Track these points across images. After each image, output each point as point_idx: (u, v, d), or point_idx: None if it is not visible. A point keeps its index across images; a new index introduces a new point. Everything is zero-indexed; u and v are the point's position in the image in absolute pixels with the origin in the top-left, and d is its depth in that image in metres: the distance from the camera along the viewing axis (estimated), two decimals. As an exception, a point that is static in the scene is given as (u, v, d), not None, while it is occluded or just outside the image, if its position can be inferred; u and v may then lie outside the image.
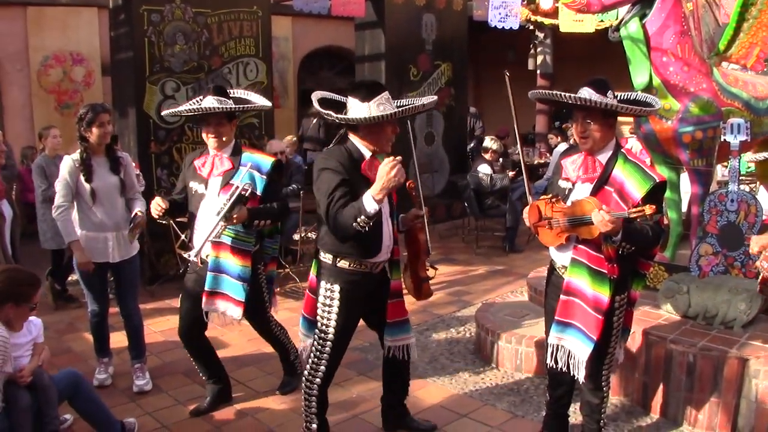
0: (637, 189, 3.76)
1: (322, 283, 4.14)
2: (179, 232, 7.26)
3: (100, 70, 13.12)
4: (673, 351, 4.83)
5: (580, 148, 3.97)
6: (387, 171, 3.67)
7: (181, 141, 8.28)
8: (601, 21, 10.94)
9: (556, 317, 4.00)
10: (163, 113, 4.82)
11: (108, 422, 4.44)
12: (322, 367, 4.16)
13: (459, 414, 4.98)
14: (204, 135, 4.75)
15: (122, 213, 5.25)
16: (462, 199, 10.62)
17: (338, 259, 4.08)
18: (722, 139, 5.53)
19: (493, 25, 11.49)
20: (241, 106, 4.92)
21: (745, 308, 4.97)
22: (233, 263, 4.69)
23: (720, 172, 9.02)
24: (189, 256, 4.62)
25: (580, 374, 3.93)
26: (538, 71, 14.55)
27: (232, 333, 6.50)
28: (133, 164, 5.68)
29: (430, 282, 4.72)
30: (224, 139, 4.74)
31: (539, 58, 14.53)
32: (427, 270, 4.64)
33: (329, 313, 4.11)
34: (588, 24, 11.37)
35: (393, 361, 4.50)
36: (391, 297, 4.36)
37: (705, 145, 5.62)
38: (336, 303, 4.10)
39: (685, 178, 6.35)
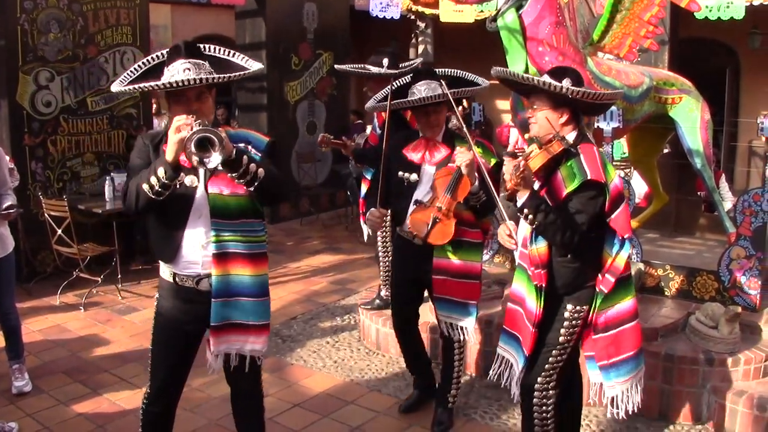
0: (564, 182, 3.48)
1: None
2: (56, 228, 7.03)
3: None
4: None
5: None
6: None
7: (56, 133, 7.98)
8: (481, 11, 11.11)
9: (504, 326, 3.81)
10: (115, 88, 3.26)
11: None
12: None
13: (346, 401, 5.03)
14: (170, 113, 3.46)
15: None
16: (345, 188, 10.66)
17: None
18: (596, 126, 5.75)
19: (374, 15, 11.53)
20: (229, 75, 3.32)
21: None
22: (248, 276, 3.33)
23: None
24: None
25: (515, 389, 3.74)
26: (420, 60, 14.69)
27: (113, 329, 6.36)
28: (7, 158, 5.45)
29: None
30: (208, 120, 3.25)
31: (420, 48, 14.68)
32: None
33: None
34: (468, 14, 11.53)
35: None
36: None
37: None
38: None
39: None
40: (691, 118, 6.02)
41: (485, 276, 4.88)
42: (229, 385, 3.59)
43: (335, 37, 12.12)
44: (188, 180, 3.21)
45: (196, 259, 3.29)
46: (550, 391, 3.66)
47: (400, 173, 4.29)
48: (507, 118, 12.11)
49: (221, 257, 3.24)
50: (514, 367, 3.70)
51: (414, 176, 4.28)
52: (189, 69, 3.13)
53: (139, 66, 3.33)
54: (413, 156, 4.32)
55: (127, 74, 3.30)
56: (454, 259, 4.19)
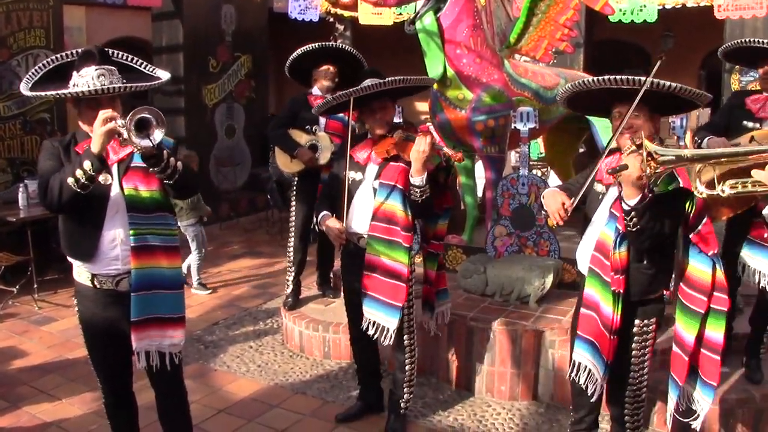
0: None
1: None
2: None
3: None
4: (473, 327, 5.10)
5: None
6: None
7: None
8: (400, 14, 11.19)
9: (578, 332, 3.64)
10: (29, 93, 3.31)
11: None
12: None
13: (270, 405, 5.02)
14: (84, 120, 3.34)
15: None
16: (265, 192, 10.62)
17: None
18: (513, 127, 5.87)
19: (293, 17, 11.50)
20: (148, 83, 3.47)
21: (539, 284, 5.32)
22: (165, 268, 3.41)
23: (512, 158, 9.52)
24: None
25: (596, 395, 3.60)
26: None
27: (31, 341, 6.20)
28: None
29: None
30: None
31: (339, 51, 14.68)
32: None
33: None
34: (386, 17, 11.59)
35: None
36: None
37: (497, 132, 5.92)
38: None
39: (479, 164, 6.67)
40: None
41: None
42: (153, 389, 3.62)
43: (253, 39, 12.06)
44: (102, 177, 3.24)
45: (116, 254, 3.33)
46: (637, 404, 3.68)
47: (345, 173, 4.30)
48: (425, 119, 12.22)
49: (140, 251, 3.31)
50: (593, 373, 3.54)
51: (359, 175, 4.31)
52: (103, 75, 3.22)
53: (44, 65, 3.39)
54: (359, 156, 4.35)
55: (32, 73, 3.37)
56: (385, 259, 4.21)
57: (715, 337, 3.34)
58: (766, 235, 4.45)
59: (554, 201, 3.51)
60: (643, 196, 3.14)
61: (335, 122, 6.00)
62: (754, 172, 2.14)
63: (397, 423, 4.52)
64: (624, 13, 9.25)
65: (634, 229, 3.22)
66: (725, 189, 2.31)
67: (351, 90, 4.21)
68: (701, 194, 2.40)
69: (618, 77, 3.29)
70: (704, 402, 3.42)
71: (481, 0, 5.84)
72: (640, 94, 3.20)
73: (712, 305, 3.32)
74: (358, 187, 4.32)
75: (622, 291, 3.38)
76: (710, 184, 2.37)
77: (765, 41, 4.60)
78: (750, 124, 4.69)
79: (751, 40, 4.76)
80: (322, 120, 6.03)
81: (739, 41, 4.80)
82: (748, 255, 4.55)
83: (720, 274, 3.30)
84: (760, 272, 4.51)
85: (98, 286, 3.38)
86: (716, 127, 4.84)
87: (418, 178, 4.03)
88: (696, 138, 4.74)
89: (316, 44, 5.97)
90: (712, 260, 3.31)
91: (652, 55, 14.99)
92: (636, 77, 3.24)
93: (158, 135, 3.04)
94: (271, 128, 6.40)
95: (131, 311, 3.30)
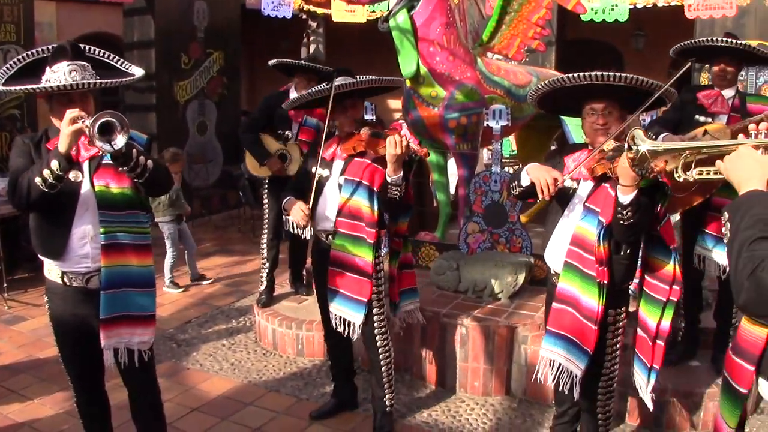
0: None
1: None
2: None
3: None
4: (446, 324, 5.12)
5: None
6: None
7: None
8: (373, 11, 11.21)
9: (548, 327, 3.70)
10: (2, 88, 3.24)
11: None
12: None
13: (244, 403, 5.00)
14: (56, 116, 3.29)
15: None
16: (237, 189, 10.58)
17: None
18: (486, 125, 5.89)
19: (266, 14, 11.48)
20: (119, 80, 3.46)
21: (512, 280, 5.35)
22: (135, 266, 3.40)
23: (485, 155, 9.56)
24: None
25: (576, 391, 3.61)
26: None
27: (1, 340, 6.14)
28: None
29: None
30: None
31: (312, 47, 14.69)
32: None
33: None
34: (359, 14, 11.61)
35: None
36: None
37: (469, 130, 5.94)
38: None
39: (452, 161, 6.70)
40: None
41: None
42: (126, 387, 3.61)
43: (226, 36, 12.01)
44: (72, 175, 3.23)
45: (86, 252, 3.32)
46: (609, 394, 3.75)
47: (314, 169, 4.30)
48: (398, 116, 12.24)
49: (110, 248, 3.30)
50: (568, 368, 3.57)
51: (326, 171, 4.31)
52: (75, 71, 3.20)
53: (18, 60, 3.32)
54: (326, 153, 4.36)
55: (5, 69, 3.29)
56: (350, 255, 4.22)
57: (665, 325, 3.51)
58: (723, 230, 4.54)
59: (546, 173, 3.49)
60: (639, 192, 3.20)
61: (307, 130, 6.02)
62: (717, 162, 2.28)
63: (384, 420, 4.52)
64: (596, 12, 9.34)
65: (626, 224, 3.28)
66: (694, 175, 2.46)
67: (327, 87, 4.22)
68: (679, 177, 2.52)
69: (601, 73, 3.35)
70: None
71: (454, -2, 5.86)
72: (657, 94, 3.31)
73: (670, 297, 3.48)
74: (325, 183, 4.34)
75: (606, 282, 3.45)
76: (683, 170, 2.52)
77: (718, 39, 4.70)
78: (702, 119, 4.78)
79: (702, 39, 4.88)
80: (295, 126, 6.09)
81: (690, 41, 4.87)
82: (705, 248, 4.67)
83: (678, 267, 3.46)
84: (719, 265, 4.63)
85: (68, 284, 3.38)
86: (669, 122, 4.92)
87: (395, 177, 4.04)
88: (650, 133, 4.80)
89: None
90: (673, 253, 3.46)
91: (624, 53, 15.11)
92: (620, 74, 3.32)
93: (121, 140, 3.00)
94: (243, 130, 6.41)
95: (100, 309, 3.30)
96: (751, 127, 2.27)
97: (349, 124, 4.34)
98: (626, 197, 3.20)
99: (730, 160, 2.25)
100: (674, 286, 3.47)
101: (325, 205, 4.33)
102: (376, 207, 4.21)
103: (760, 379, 2.13)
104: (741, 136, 2.32)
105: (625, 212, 3.24)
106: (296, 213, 4.24)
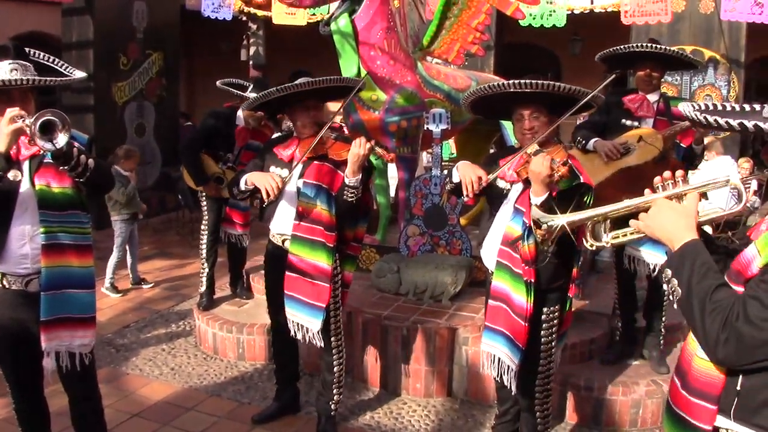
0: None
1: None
2: None
3: None
4: (387, 326, 5.15)
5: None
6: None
7: None
8: (313, 15, 11.22)
9: (486, 323, 3.82)
10: None
11: None
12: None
13: (185, 408, 4.96)
14: None
15: None
16: (176, 191, 10.46)
17: None
18: (425, 128, 5.94)
19: (206, 15, 11.40)
20: (60, 78, 3.49)
21: (452, 282, 5.41)
22: (76, 267, 3.37)
23: (425, 158, 9.64)
24: None
25: (513, 385, 3.73)
26: (251, 62, 14.63)
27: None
28: None
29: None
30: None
31: (252, 50, 14.62)
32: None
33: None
34: (300, 17, 11.61)
35: None
36: None
37: (410, 133, 6.00)
38: None
39: (392, 165, 6.73)
40: (514, 119, 6.33)
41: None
42: (66, 393, 3.56)
43: (165, 37, 11.86)
44: (11, 174, 3.20)
45: (25, 252, 3.28)
46: (550, 390, 3.87)
47: (272, 169, 4.24)
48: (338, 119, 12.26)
49: (51, 249, 3.26)
50: (505, 362, 3.66)
51: (285, 171, 4.20)
52: (16, 69, 3.23)
53: None
54: (283, 153, 4.29)
55: None
56: (308, 259, 4.17)
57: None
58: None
59: (472, 171, 3.64)
60: (549, 196, 3.32)
61: (250, 155, 5.94)
62: (632, 222, 2.32)
63: (328, 425, 4.50)
64: (534, 18, 9.50)
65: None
66: (609, 240, 2.51)
67: (293, 84, 4.14)
68: (591, 246, 2.59)
69: (527, 81, 3.47)
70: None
71: (395, 2, 5.91)
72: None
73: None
74: (283, 186, 4.19)
75: (533, 281, 3.55)
76: (597, 237, 2.56)
77: (641, 45, 4.88)
78: (629, 123, 4.93)
79: (627, 45, 5.02)
80: (236, 150, 6.13)
81: (615, 48, 4.99)
82: (634, 249, 4.80)
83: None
84: (647, 264, 4.78)
85: (7, 287, 3.32)
86: (596, 125, 5.05)
87: (353, 179, 4.02)
88: (578, 138, 4.93)
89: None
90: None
91: (561, 58, 15.38)
92: (539, 81, 3.45)
93: (62, 139, 2.98)
94: (185, 146, 6.38)
95: (41, 311, 3.25)
96: (656, 179, 2.25)
97: (310, 126, 4.28)
98: (537, 198, 3.34)
99: (649, 218, 2.22)
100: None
101: (283, 210, 4.29)
102: (334, 211, 4.18)
103: (722, 418, 2.10)
104: (647, 191, 2.29)
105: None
106: (268, 180, 3.99)
